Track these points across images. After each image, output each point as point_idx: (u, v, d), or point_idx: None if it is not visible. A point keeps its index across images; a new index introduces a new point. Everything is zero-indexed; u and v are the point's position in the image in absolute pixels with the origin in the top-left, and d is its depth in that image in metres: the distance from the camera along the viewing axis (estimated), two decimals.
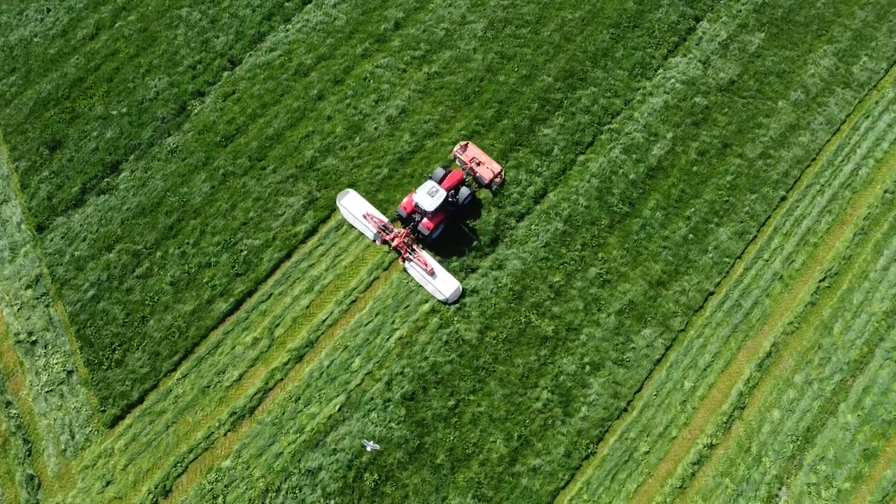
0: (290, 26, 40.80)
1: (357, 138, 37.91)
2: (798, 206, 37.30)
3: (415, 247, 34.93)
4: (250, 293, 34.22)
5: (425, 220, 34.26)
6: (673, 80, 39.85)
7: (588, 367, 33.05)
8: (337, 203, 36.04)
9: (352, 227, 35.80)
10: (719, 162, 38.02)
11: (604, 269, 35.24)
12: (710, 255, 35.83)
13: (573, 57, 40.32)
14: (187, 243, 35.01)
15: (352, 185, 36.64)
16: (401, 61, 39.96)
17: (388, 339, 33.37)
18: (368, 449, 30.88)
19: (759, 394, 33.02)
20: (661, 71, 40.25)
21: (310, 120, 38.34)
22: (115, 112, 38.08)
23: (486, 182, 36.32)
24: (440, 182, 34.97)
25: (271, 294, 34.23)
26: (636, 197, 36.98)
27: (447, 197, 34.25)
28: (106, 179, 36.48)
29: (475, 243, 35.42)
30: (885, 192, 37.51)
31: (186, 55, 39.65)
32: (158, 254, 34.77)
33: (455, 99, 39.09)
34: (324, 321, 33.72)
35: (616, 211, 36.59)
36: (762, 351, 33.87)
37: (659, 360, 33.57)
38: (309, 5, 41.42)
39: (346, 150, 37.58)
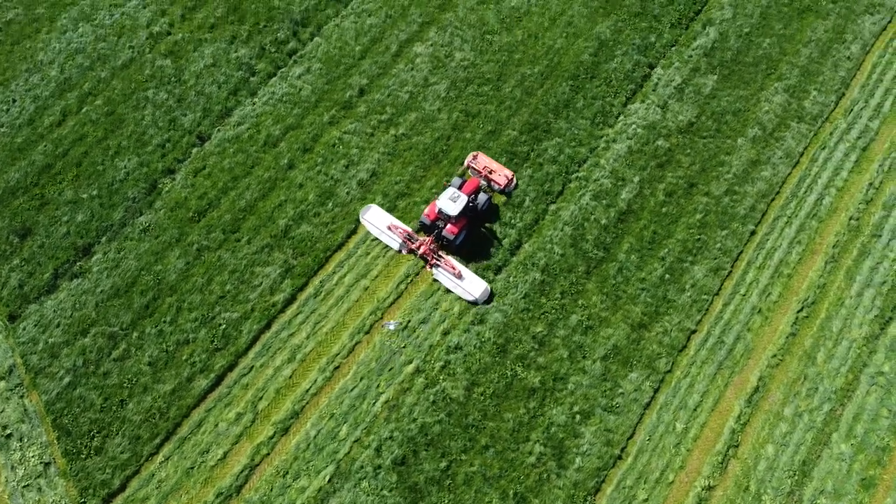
0: (256, 100, 41.40)
1: (330, 204, 38.11)
2: (768, 239, 37.99)
3: (440, 253, 36.07)
4: (231, 367, 33.62)
5: (449, 225, 35.71)
6: (634, 126, 40.91)
7: (578, 417, 32.72)
8: (360, 218, 37.33)
9: (377, 240, 36.85)
10: (687, 201, 38.78)
11: (585, 315, 35.32)
12: (688, 294, 36.14)
13: (536, 110, 41.31)
14: (164, 321, 34.49)
15: (327, 249, 36.65)
16: (368, 126, 40.60)
17: (374, 403, 32.84)
18: (392, 328, 32.30)
19: (751, 430, 32.86)
20: (621, 118, 41.34)
21: (281, 189, 38.54)
22: (85, 196, 37.95)
23: (502, 187, 38.03)
24: (459, 189, 36.42)
25: (252, 367, 33.67)
26: (610, 241, 37.42)
27: (468, 202, 35.66)
28: (78, 263, 36.06)
29: (496, 246, 36.81)
30: (850, 219, 38.42)
31: (155, 135, 39.91)
32: (135, 334, 34.16)
33: (424, 158, 39.64)
34: (307, 390, 33.15)
35: (591, 257, 36.93)
36: (749, 386, 33.88)
37: (648, 404, 33.38)
38: (274, 78, 42.17)
39: (319, 217, 37.70)
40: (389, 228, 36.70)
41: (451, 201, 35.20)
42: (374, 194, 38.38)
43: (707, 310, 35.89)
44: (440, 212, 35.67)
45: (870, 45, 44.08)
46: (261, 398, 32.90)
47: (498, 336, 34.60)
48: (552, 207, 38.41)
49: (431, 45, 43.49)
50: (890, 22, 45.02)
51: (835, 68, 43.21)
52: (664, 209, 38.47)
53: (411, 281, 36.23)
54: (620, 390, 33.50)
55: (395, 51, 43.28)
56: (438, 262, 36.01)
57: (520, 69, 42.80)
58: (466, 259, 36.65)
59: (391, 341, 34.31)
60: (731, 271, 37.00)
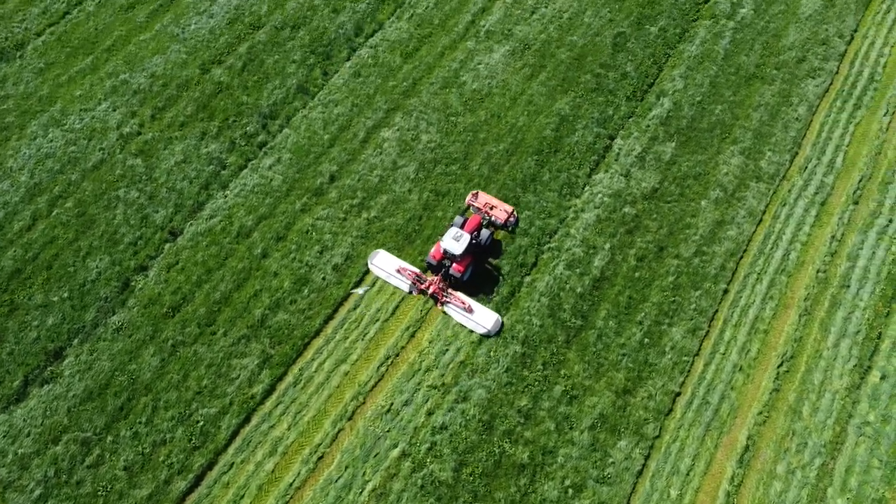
0: (227, 192, 41.81)
1: (305, 290, 38.01)
2: (741, 297, 38.53)
3: (449, 290, 37.11)
4: (210, 466, 32.50)
5: (455, 264, 37.05)
6: (600, 195, 41.95)
7: (571, 491, 31.97)
8: (369, 264, 38.39)
9: (386, 283, 37.74)
10: (659, 265, 39.41)
11: (568, 385, 35.08)
12: (669, 356, 36.20)
13: (504, 185, 42.25)
14: (139, 422, 33.47)
15: (305, 336, 36.32)
16: (340, 211, 41.08)
17: (360, 492, 31.81)
18: (361, 293, 32.62)
19: (745, 491, 32.35)
20: (587, 188, 42.42)
21: (256, 279, 38.44)
22: (55, 298, 37.43)
23: (502, 222, 39.47)
24: (461, 228, 37.76)
25: (233, 463, 32.60)
26: (587, 309, 37.64)
27: (471, 239, 36.94)
28: (49, 368, 35.16)
29: (501, 281, 38.11)
30: (818, 272, 39.26)
31: (126, 233, 39.89)
32: (109, 438, 33.02)
33: (397, 239, 40.01)
34: (291, 484, 32.07)
35: (570, 326, 37.03)
36: (739, 445, 33.57)
37: (640, 472, 32.80)
38: (245, 170, 42.78)
39: (295, 304, 37.51)
40: (399, 271, 37.84)
41: (454, 241, 36.55)
42: (349, 277, 38.43)
43: (689, 371, 35.90)
44: (445, 252, 36.90)
45: (815, 106, 46.30)
46: (243, 496, 31.71)
47: (483, 412, 34.10)
48: (527, 279, 38.73)
49: (398, 129, 44.71)
50: (831, 84, 47.50)
51: (785, 129, 45.14)
52: (637, 274, 39.00)
53: (392, 362, 35.88)
54: (611, 460, 32.93)
55: (362, 137, 44.37)
56: (449, 299, 37.04)
57: (485, 147, 44.02)
58: (473, 294, 37.86)
59: (374, 426, 33.59)
60: (708, 331, 37.28)
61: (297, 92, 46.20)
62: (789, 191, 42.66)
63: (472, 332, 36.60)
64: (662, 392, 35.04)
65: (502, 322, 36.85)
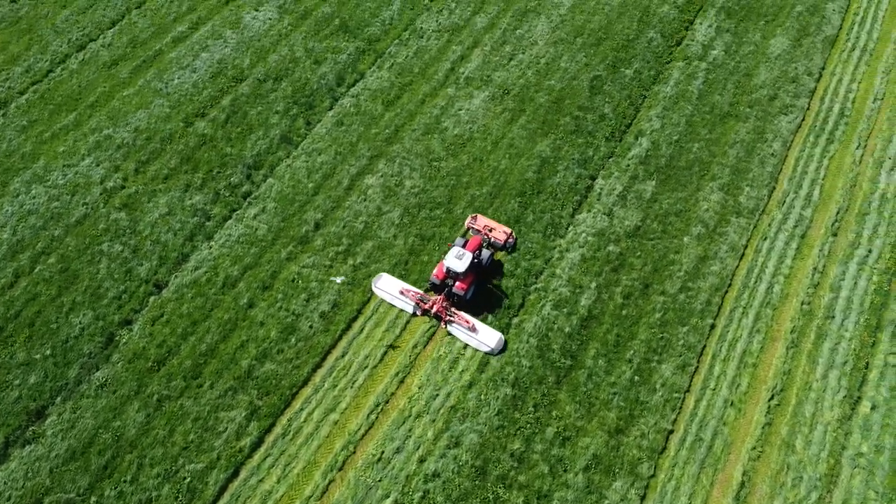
0: (213, 243, 41.75)
1: (293, 339, 37.71)
2: (728, 331, 38.70)
3: (453, 309, 37.96)
4: None
5: (458, 283, 37.90)
6: (584, 234, 42.33)
7: None
8: (372, 287, 39.32)
9: (391, 306, 38.44)
10: (645, 302, 39.59)
11: (560, 426, 34.78)
12: (660, 394, 36.09)
13: None
14: (124, 481, 32.65)
15: (293, 386, 35.89)
16: (326, 258, 41.09)
17: None
18: (338, 282, 34.34)
19: None
20: (571, 228, 42.81)
21: (242, 329, 38.11)
22: (38, 356, 36.82)
23: (502, 243, 40.83)
24: (462, 248, 38.52)
25: None
26: (576, 349, 37.60)
27: (473, 259, 37.78)
28: (31, 428, 34.36)
29: (504, 301, 39.08)
30: (802, 304, 39.60)
31: (110, 287, 39.56)
32: (93, 499, 32.13)
33: None
34: None
35: (560, 366, 36.91)
36: (735, 482, 33.27)
37: None
38: (229, 221, 42.81)
39: (283, 353, 37.16)
40: (402, 293, 38.72)
41: (457, 259, 37.34)
42: (337, 325, 38.23)
43: (680, 408, 35.77)
44: (448, 270, 37.83)
45: (789, 141, 47.39)
46: None
47: (475, 458, 33.64)
48: (515, 321, 38.71)
49: (381, 176, 45.11)
50: (803, 120, 48.73)
51: (762, 165, 46.05)
52: (624, 311, 39.13)
53: (382, 409, 35.46)
54: (607, 501, 32.48)
55: (346, 184, 44.69)
56: (452, 319, 37.90)
57: (468, 191, 44.44)
58: (476, 314, 38.67)
59: (366, 476, 32.98)
60: (697, 366, 37.29)
61: (281, 142, 46.65)
62: (769, 225, 43.30)
63: (462, 374, 36.39)
64: (655, 430, 34.81)
65: (505, 341, 37.52)
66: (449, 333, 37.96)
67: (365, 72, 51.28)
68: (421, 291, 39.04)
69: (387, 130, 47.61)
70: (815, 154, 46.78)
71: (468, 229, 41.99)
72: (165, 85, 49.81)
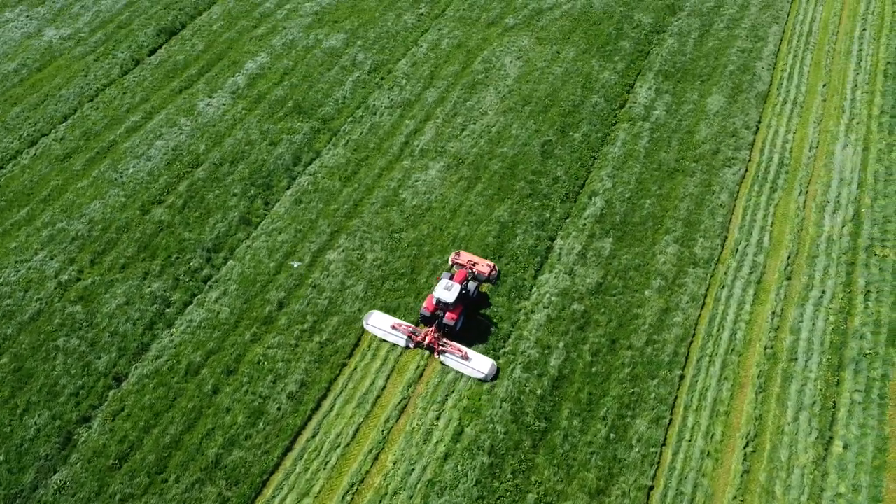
0: (174, 330, 40.88)
1: (261, 423, 36.67)
2: (697, 381, 38.99)
3: (444, 339, 39.22)
4: None
5: (448, 313, 39.28)
6: (548, 295, 42.74)
7: None
8: (364, 324, 40.53)
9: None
10: (613, 357, 39.80)
11: (541, 492, 34.14)
12: (637, 450, 35.86)
13: None
14: None
15: (263, 472, 34.66)
16: (291, 337, 40.51)
17: None
18: (295, 266, 36.66)
19: None
20: (535, 289, 43.22)
21: (208, 417, 36.95)
22: None
23: (486, 276, 42.35)
24: (450, 280, 40.09)
25: None
26: (549, 411, 37.34)
27: (461, 289, 39.30)
28: None
29: (492, 329, 40.62)
30: (765, 348, 40.29)
31: (67, 384, 38.18)
32: None
33: (354, 360, 39.46)
34: None
35: (535, 429, 36.53)
36: None
37: None
38: (190, 306, 42.10)
39: (251, 439, 36.03)
40: (394, 328, 39.89)
41: (446, 290, 38.90)
42: (306, 405, 37.38)
43: (658, 462, 35.53)
44: (438, 301, 39.22)
45: (735, 192, 49.20)
46: None
47: None
48: (486, 386, 38.42)
49: (343, 250, 45.19)
50: (746, 171, 50.79)
51: (712, 216, 47.58)
52: (594, 369, 39.22)
53: (357, 490, 34.40)
54: None
55: (308, 261, 44.59)
56: (445, 349, 39.02)
57: (431, 260, 44.73)
58: (468, 343, 39.98)
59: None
60: (671, 419, 37.30)
61: (240, 223, 46.59)
62: (725, 273, 44.39)
63: (437, 445, 35.67)
64: (636, 488, 34.41)
65: (498, 367, 38.56)
66: (442, 364, 39.04)
67: (321, 150, 52.05)
68: (412, 325, 40.19)
69: (346, 205, 48.02)
70: (760, 202, 48.57)
71: (453, 264, 43.38)
72: (120, 174, 49.68)
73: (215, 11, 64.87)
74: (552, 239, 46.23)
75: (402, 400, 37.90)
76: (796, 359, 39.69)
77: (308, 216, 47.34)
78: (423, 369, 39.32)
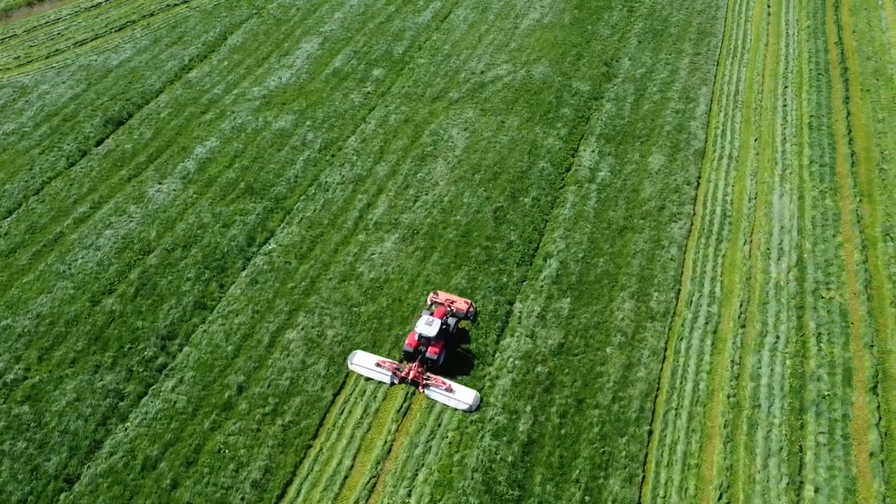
0: (128, 424, 39.24)
1: None
2: (666, 435, 39.02)
3: (428, 374, 40.73)
4: None
5: (430, 347, 40.82)
6: (511, 359, 42.71)
7: None
8: (349, 364, 41.77)
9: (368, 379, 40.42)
10: (581, 418, 39.66)
11: None
12: None
13: None
14: None
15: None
16: (252, 422, 39.30)
17: None
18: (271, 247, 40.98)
19: None
20: (498, 354, 43.17)
21: None
22: None
23: (464, 312, 44.25)
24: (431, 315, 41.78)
25: None
26: (522, 477, 36.71)
27: (442, 324, 40.92)
28: None
29: (475, 362, 42.39)
30: (728, 397, 40.74)
31: (14, 491, 35.98)
32: None
33: (318, 441, 38.36)
34: None
35: (508, 498, 35.78)
36: None
37: None
38: (145, 397, 40.62)
39: None
40: (378, 365, 41.16)
41: (427, 325, 40.58)
42: (271, 492, 35.95)
43: None
44: (420, 337, 40.85)
45: (684, 245, 50.72)
46: None
47: None
48: (456, 457, 37.68)
49: (302, 328, 44.57)
50: (692, 225, 52.55)
51: (664, 270, 48.77)
52: (563, 430, 38.95)
53: None
54: None
55: (267, 342, 43.78)
56: (429, 382, 40.42)
57: (392, 332, 44.43)
58: (450, 376, 41.41)
59: None
60: (644, 476, 37.05)
61: (195, 308, 45.70)
62: (682, 325, 45.20)
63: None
64: None
65: (481, 398, 40.11)
66: (427, 397, 40.30)
67: (275, 229, 51.97)
68: (396, 362, 41.57)
69: (303, 283, 47.69)
70: (709, 254, 50.10)
71: (431, 303, 45.02)
72: (68, 266, 48.54)
73: (163, 100, 65.40)
74: (511, 303, 46.55)
75: (370, 479, 36.83)
76: (759, 405, 40.20)
77: (265, 296, 46.78)
78: (391, 444, 38.47)
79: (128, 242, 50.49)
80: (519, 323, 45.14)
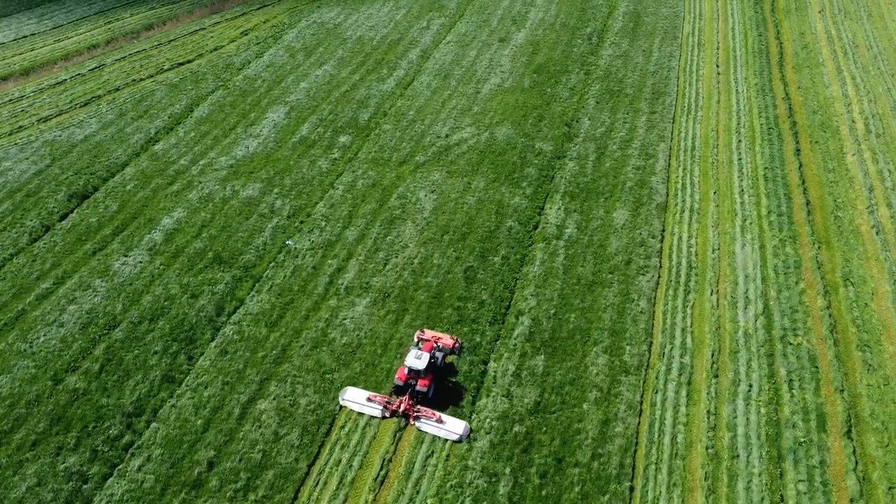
0: None
1: None
2: (648, 490, 38.57)
3: (419, 406, 42.04)
4: None
5: (420, 381, 42.19)
6: (488, 420, 42.19)
7: None
8: (340, 400, 42.85)
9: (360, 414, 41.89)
10: (562, 477, 39.08)
11: None
12: None
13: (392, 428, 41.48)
14: None
15: None
16: (224, 499, 37.89)
17: None
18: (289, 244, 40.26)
19: None
20: (474, 415, 42.63)
21: None
22: None
23: (451, 347, 45.53)
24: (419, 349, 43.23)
25: None
26: None
27: (430, 358, 42.48)
28: None
29: (462, 394, 43.75)
30: (707, 448, 40.64)
31: None
32: None
33: None
34: None
35: None
36: None
37: None
38: (111, 479, 39.00)
39: None
40: (369, 400, 42.39)
41: (416, 359, 42.13)
42: None
43: None
44: (410, 370, 42.28)
45: (653, 298, 51.38)
46: None
47: None
48: None
49: (274, 398, 43.63)
50: (659, 277, 53.40)
51: (635, 323, 49.19)
52: (544, 491, 38.28)
53: None
54: None
55: (238, 414, 42.68)
56: (419, 414, 41.62)
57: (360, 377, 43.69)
58: (439, 409, 42.86)
59: None
60: None
61: (163, 382, 44.52)
62: (656, 377, 45.34)
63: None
64: None
65: (471, 429, 41.31)
66: (419, 429, 41.34)
67: (244, 298, 51.39)
68: (387, 396, 42.89)
69: (274, 351, 46.94)
70: (678, 305, 50.77)
71: (419, 341, 46.07)
72: (30, 345, 47.13)
73: (129, 173, 65.25)
74: (485, 362, 46.33)
75: None
76: (738, 455, 40.13)
77: (235, 367, 45.85)
78: None
79: (92, 317, 49.38)
80: (494, 382, 44.82)
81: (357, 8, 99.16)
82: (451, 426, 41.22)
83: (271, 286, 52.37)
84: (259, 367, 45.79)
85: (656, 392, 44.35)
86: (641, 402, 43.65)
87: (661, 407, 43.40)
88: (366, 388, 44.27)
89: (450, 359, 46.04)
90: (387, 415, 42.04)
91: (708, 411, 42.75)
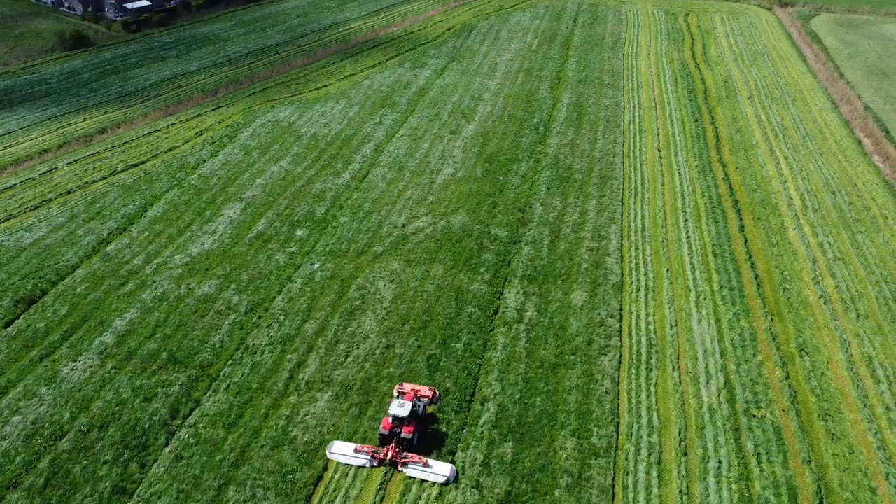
0: None
1: None
2: None
3: (405, 453, 43.63)
4: None
5: (404, 428, 43.90)
6: None
7: None
8: (328, 454, 44.12)
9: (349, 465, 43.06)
10: None
11: None
12: None
13: None
14: None
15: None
16: None
17: None
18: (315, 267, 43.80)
19: None
20: None
21: None
22: None
23: (430, 398, 46.59)
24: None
25: None
26: None
27: (413, 406, 44.55)
28: None
29: (445, 440, 45.39)
30: None
31: None
32: None
33: None
34: None
35: None
36: None
37: None
38: None
39: None
40: (356, 451, 43.71)
41: (400, 407, 44.02)
42: None
43: None
44: (394, 418, 44.06)
45: (616, 377, 51.45)
46: None
47: None
48: None
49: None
50: (621, 356, 53.70)
51: (601, 404, 48.96)
52: None
53: None
54: None
55: None
56: (406, 461, 43.12)
57: (330, 499, 41.81)
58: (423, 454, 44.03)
59: None
60: None
61: (113, 494, 41.97)
62: (626, 459, 44.79)
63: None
64: None
65: (457, 471, 42.98)
66: (407, 476, 42.75)
67: (200, 399, 49.57)
68: (373, 446, 44.14)
69: (232, 454, 44.97)
70: (641, 384, 50.89)
71: (398, 394, 46.82)
72: None
73: (79, 275, 63.72)
74: (453, 453, 45.17)
75: None
76: None
77: (191, 472, 43.64)
78: None
79: (37, 428, 46.80)
80: (463, 473, 43.58)
81: (311, 106, 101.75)
82: (438, 469, 42.78)
83: (229, 385, 50.77)
84: (217, 472, 43.68)
85: (627, 474, 43.70)
86: (613, 486, 42.87)
87: (633, 489, 42.67)
88: (329, 488, 42.45)
89: (430, 409, 47.60)
90: (374, 464, 43.37)
91: (680, 490, 42.18)
